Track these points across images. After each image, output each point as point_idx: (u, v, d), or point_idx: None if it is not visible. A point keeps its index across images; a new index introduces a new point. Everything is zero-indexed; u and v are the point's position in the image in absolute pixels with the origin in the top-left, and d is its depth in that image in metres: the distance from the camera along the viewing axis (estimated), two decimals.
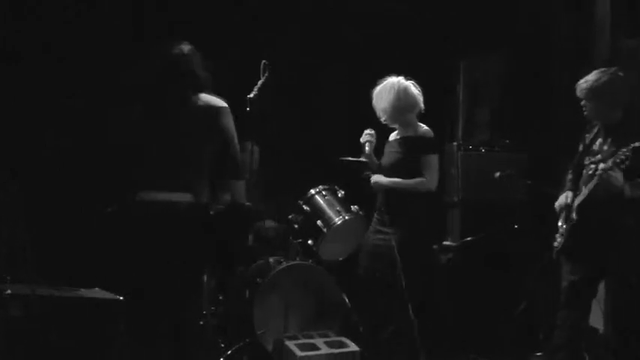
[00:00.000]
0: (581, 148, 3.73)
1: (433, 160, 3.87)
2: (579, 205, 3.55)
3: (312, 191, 4.35)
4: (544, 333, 4.46)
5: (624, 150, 3.30)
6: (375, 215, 4.06)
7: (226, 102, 3.24)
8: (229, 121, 3.23)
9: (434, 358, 4.11)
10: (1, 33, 4.35)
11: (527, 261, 4.44)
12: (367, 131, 4.06)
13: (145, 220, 3.10)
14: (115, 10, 4.69)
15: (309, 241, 4.25)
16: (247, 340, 4.03)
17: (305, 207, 4.31)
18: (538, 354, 4.05)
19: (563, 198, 3.70)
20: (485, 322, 4.41)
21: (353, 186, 4.34)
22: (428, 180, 3.84)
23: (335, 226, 4.17)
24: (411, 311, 3.79)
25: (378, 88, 3.95)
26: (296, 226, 4.35)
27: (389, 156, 4.04)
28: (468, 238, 4.56)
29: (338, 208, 4.24)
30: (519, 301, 4.40)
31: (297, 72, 5.14)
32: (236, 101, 3.94)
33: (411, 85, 3.92)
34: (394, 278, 3.81)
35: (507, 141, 4.89)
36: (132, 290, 3.30)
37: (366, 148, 4.03)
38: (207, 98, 3.20)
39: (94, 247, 4.41)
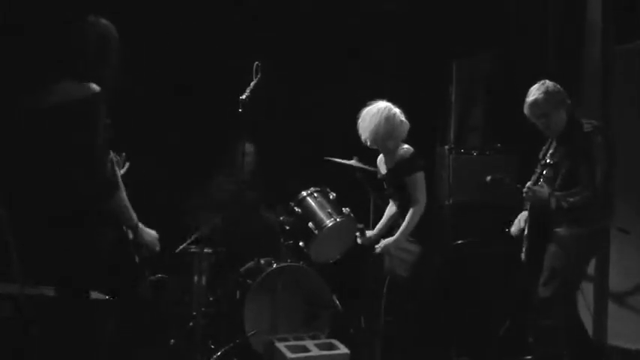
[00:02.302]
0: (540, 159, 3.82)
1: (419, 179, 3.83)
2: (529, 217, 3.69)
3: (304, 193, 4.34)
4: (533, 336, 4.48)
5: (539, 165, 3.54)
6: None
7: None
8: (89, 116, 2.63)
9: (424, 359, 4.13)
10: None
11: (517, 264, 4.46)
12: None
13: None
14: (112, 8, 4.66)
15: (300, 243, 4.25)
16: (237, 341, 4.03)
17: (296, 208, 4.30)
18: (528, 357, 4.06)
19: (516, 224, 3.80)
20: (476, 324, 4.42)
21: (345, 188, 4.34)
22: (418, 205, 3.81)
23: (326, 227, 4.16)
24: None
25: (364, 110, 3.91)
26: (287, 227, 4.35)
27: (386, 186, 4.04)
28: (459, 242, 4.57)
29: (329, 210, 4.23)
30: (509, 304, 4.42)
31: (291, 72, 5.14)
32: (229, 102, 3.97)
33: (396, 114, 3.86)
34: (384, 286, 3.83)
35: (499, 144, 4.90)
36: None
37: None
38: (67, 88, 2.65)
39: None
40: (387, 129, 3.82)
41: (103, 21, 2.81)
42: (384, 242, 3.89)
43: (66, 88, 2.65)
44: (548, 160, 3.54)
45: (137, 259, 2.94)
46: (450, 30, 5.25)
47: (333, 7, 5.32)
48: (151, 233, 2.94)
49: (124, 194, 2.76)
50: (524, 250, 3.73)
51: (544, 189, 3.50)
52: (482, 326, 4.42)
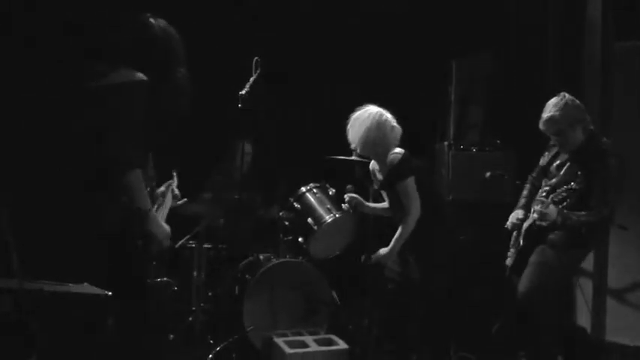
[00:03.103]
0: (540, 163, 3.77)
1: (408, 185, 3.68)
2: (526, 231, 3.61)
3: (303, 189, 4.34)
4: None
5: (563, 189, 3.41)
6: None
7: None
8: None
9: (423, 356, 4.12)
10: None
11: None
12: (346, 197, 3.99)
13: None
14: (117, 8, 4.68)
15: (300, 239, 4.25)
16: (236, 336, 4.03)
17: (296, 204, 4.30)
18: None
19: (514, 217, 3.73)
20: (474, 321, 4.43)
21: (344, 184, 4.34)
22: (411, 214, 3.68)
23: (325, 223, 4.16)
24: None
25: (354, 115, 3.75)
26: (287, 223, 4.35)
27: (384, 196, 3.95)
28: (461, 237, 4.58)
29: (329, 206, 4.24)
30: (507, 301, 4.42)
31: (291, 69, 5.14)
32: (228, 98, 3.97)
33: (387, 120, 3.70)
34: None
35: (498, 141, 4.90)
36: None
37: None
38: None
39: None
40: (377, 135, 3.66)
41: (164, 22, 2.90)
42: (379, 253, 3.79)
43: (117, 72, 2.73)
44: (570, 186, 3.42)
45: (140, 252, 2.89)
46: (450, 30, 5.25)
47: (333, 7, 5.33)
48: (164, 227, 2.88)
49: (139, 177, 2.71)
50: (511, 256, 3.71)
51: (552, 209, 3.40)
52: (481, 323, 4.42)
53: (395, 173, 3.72)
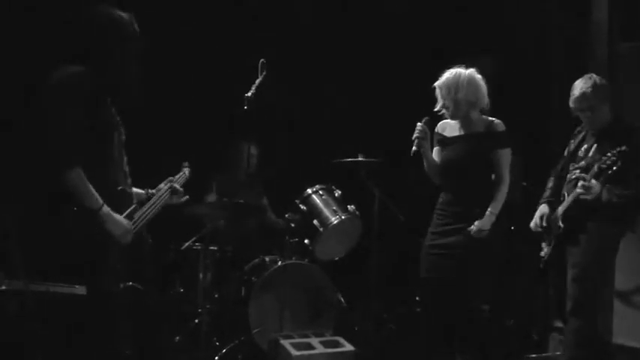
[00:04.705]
0: (566, 153, 3.76)
1: (508, 153, 3.56)
2: (564, 214, 3.56)
3: (309, 190, 4.35)
4: (538, 334, 4.48)
5: (610, 154, 3.35)
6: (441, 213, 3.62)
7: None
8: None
9: (427, 358, 4.12)
10: None
11: (522, 262, 4.46)
12: (419, 126, 3.58)
13: None
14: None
15: (306, 241, 4.25)
16: (242, 338, 4.03)
17: (302, 206, 4.31)
18: (532, 355, 4.06)
19: (539, 214, 3.68)
20: (480, 322, 4.41)
21: (350, 186, 4.35)
22: (505, 183, 3.51)
23: (331, 225, 4.17)
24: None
25: (450, 78, 3.52)
26: (292, 225, 4.35)
27: (455, 151, 3.62)
28: None
29: (334, 208, 4.24)
30: (514, 303, 4.41)
31: (295, 71, 5.15)
32: (234, 100, 3.98)
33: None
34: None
35: None
36: None
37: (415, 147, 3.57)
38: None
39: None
40: (483, 96, 3.55)
41: (112, 12, 2.82)
42: (477, 225, 3.43)
43: (60, 70, 2.67)
44: (603, 162, 3.35)
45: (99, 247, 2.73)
46: (452, 31, 5.26)
47: (334, 8, 5.33)
48: (121, 223, 2.72)
49: (79, 176, 2.61)
50: (550, 245, 3.63)
51: (595, 183, 3.37)
52: (487, 324, 4.41)
53: (501, 139, 3.56)
